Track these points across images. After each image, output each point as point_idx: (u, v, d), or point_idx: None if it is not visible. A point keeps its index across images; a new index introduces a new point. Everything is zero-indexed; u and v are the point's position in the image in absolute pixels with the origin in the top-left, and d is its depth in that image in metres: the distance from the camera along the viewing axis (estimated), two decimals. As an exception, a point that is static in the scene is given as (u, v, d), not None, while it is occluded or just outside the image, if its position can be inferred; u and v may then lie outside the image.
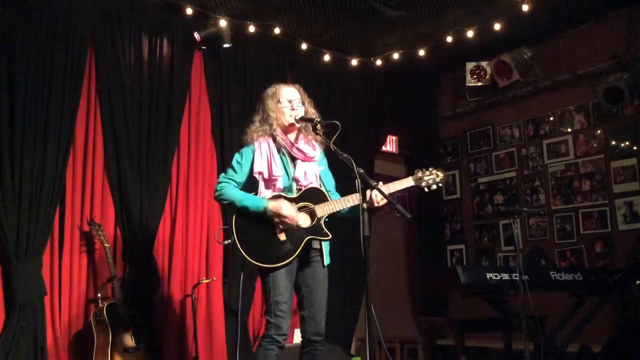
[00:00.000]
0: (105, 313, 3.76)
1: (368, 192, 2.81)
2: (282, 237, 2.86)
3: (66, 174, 4.06)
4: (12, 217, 3.74)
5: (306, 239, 2.88)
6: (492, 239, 6.14)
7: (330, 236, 2.94)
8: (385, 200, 2.78)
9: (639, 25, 5.11)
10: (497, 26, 5.20)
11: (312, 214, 2.93)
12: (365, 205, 2.55)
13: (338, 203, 2.93)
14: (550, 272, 3.90)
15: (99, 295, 4.02)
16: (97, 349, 3.75)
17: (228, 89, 5.00)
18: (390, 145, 6.60)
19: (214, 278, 4.63)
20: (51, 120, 3.96)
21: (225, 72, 5.02)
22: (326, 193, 2.99)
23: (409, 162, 6.80)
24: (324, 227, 2.92)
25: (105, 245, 3.95)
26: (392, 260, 6.70)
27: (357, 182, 2.56)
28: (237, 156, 3.06)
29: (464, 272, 3.59)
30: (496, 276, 3.67)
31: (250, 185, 3.01)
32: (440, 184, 2.98)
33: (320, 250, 3.00)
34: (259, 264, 2.85)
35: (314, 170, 3.06)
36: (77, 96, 4.14)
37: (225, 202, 2.96)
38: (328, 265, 3.04)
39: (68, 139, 4.06)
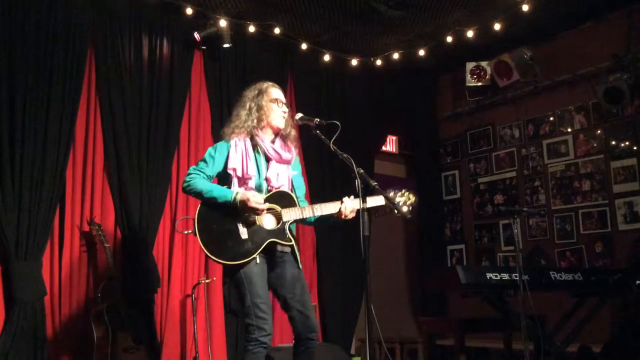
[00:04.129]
0: (105, 313, 3.76)
1: (339, 204, 2.89)
2: (244, 235, 2.84)
3: (66, 174, 4.06)
4: (12, 217, 3.74)
5: (267, 240, 2.86)
6: (492, 239, 6.14)
7: (293, 242, 2.93)
8: (353, 214, 2.87)
9: (639, 25, 5.11)
10: (497, 26, 5.20)
11: (277, 217, 2.92)
12: (365, 205, 2.55)
13: (305, 210, 2.92)
14: (550, 272, 3.90)
15: (99, 295, 4.02)
16: (97, 349, 3.75)
17: (228, 89, 5.00)
18: (390, 145, 6.60)
19: (214, 278, 4.63)
20: (51, 120, 3.96)
21: (225, 72, 5.02)
22: (295, 198, 2.98)
23: (409, 162, 6.81)
24: (287, 232, 2.91)
25: (105, 245, 3.95)
26: (392, 260, 6.70)
27: (357, 182, 2.56)
28: (210, 150, 3.05)
29: (464, 272, 3.59)
30: (496, 276, 3.67)
31: (221, 181, 3.01)
32: (410, 207, 2.96)
33: (293, 252, 2.98)
34: (216, 258, 2.81)
35: (286, 173, 3.06)
36: (77, 96, 4.14)
37: (193, 193, 2.91)
38: (301, 267, 3.02)
39: (68, 139, 4.06)
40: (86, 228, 4.11)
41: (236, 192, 2.85)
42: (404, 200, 2.96)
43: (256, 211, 2.84)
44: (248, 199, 2.80)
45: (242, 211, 2.83)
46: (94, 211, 4.18)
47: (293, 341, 2.97)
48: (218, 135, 4.86)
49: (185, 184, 2.94)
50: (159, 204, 4.48)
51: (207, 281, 4.56)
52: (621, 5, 5.17)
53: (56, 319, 3.94)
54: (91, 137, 4.27)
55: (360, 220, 2.53)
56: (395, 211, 2.71)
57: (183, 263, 4.58)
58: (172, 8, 4.71)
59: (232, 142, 2.99)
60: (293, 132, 3.11)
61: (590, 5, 5.20)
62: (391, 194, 2.94)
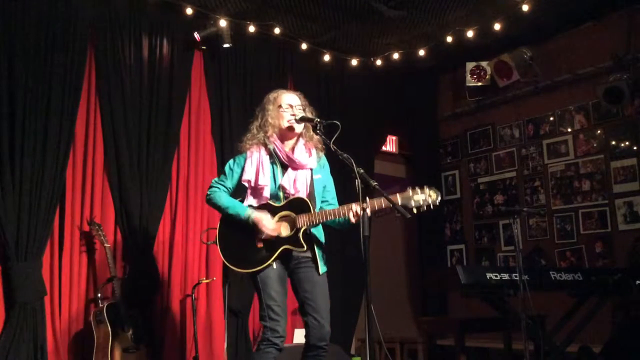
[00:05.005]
0: (105, 313, 3.76)
1: (353, 206, 2.81)
2: (260, 244, 2.93)
3: (66, 174, 4.07)
4: (12, 217, 3.74)
5: (281, 248, 2.91)
6: (492, 239, 6.14)
7: (305, 247, 2.92)
8: (355, 219, 2.78)
9: (639, 25, 5.11)
10: (497, 26, 5.20)
11: (292, 224, 2.94)
12: (365, 205, 2.55)
13: (318, 216, 2.92)
14: (550, 272, 3.90)
15: (99, 295, 4.02)
16: (97, 349, 3.75)
17: (228, 89, 5.00)
18: (390, 145, 6.60)
19: (214, 278, 4.63)
20: (51, 120, 3.97)
21: (225, 72, 5.02)
22: (309, 204, 2.95)
23: (409, 162, 6.81)
24: (301, 238, 2.92)
25: (105, 245, 3.95)
26: (392, 260, 6.69)
27: (357, 182, 2.56)
28: (230, 162, 3.15)
29: (464, 272, 3.58)
30: (496, 276, 3.67)
31: (241, 191, 3.08)
32: (432, 206, 2.82)
33: (314, 258, 2.98)
34: (232, 266, 2.96)
35: (305, 177, 3.04)
36: (77, 96, 4.14)
37: (214, 206, 3.08)
38: (324, 273, 3.02)
39: (68, 139, 4.06)
40: (86, 228, 4.11)
41: (249, 212, 2.92)
42: (424, 198, 2.80)
43: (266, 232, 2.89)
44: (259, 222, 2.89)
45: (255, 230, 2.91)
46: (94, 211, 4.18)
47: (304, 344, 2.98)
48: (218, 135, 4.92)
49: (208, 197, 3.09)
50: (159, 204, 4.48)
51: (207, 281, 4.56)
52: (621, 5, 5.17)
53: (56, 319, 3.94)
54: (91, 137, 4.28)
55: (360, 220, 2.53)
56: (396, 211, 2.65)
57: (183, 263, 4.58)
58: (172, 8, 4.71)
59: (248, 154, 3.05)
60: (315, 136, 3.04)
61: (590, 5, 5.19)
62: (410, 192, 2.82)
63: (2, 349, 3.59)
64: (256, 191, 3.00)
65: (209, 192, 3.09)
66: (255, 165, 3.01)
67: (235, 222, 2.96)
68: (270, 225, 2.90)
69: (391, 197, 2.76)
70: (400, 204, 2.77)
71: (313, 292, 2.95)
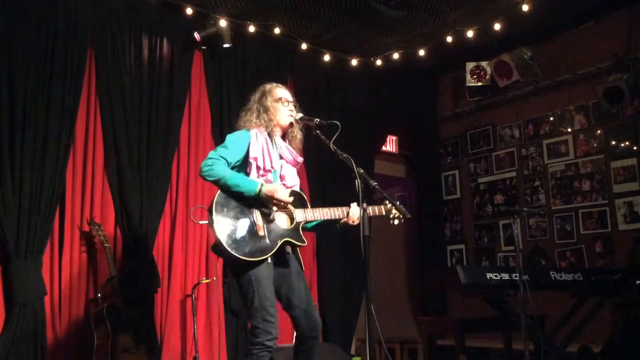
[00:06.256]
0: (105, 313, 3.76)
1: (347, 209, 2.93)
2: (261, 232, 2.79)
3: (66, 174, 4.06)
4: (12, 217, 3.74)
5: (283, 240, 2.84)
6: (492, 239, 6.14)
7: (306, 243, 2.92)
8: (357, 222, 2.88)
9: (639, 25, 5.12)
10: (497, 26, 5.20)
11: (290, 217, 2.92)
12: (364, 205, 2.56)
13: (316, 212, 2.91)
14: (550, 272, 3.90)
15: (99, 295, 4.02)
16: (97, 349, 3.75)
17: (228, 88, 5.00)
18: (390, 145, 6.60)
19: (214, 278, 4.63)
20: (51, 120, 3.96)
21: (225, 72, 5.02)
22: (307, 200, 2.98)
23: (409, 162, 6.81)
24: (301, 233, 2.90)
25: (105, 245, 3.95)
26: (392, 260, 6.70)
27: (357, 182, 2.56)
28: (231, 137, 2.95)
29: (464, 272, 3.58)
30: (496, 276, 3.67)
31: (239, 169, 2.94)
32: (402, 220, 3.07)
33: (295, 254, 2.99)
34: (234, 252, 2.70)
35: (295, 175, 3.07)
36: (77, 96, 4.14)
37: (214, 178, 2.78)
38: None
39: (68, 139, 4.06)
40: (86, 228, 4.11)
41: (261, 184, 2.78)
42: (397, 214, 3.06)
43: (281, 203, 2.81)
44: (275, 191, 2.78)
45: (264, 202, 2.79)
46: (94, 211, 4.18)
47: (294, 340, 2.95)
48: (218, 135, 4.91)
49: (207, 168, 2.79)
50: (159, 204, 4.47)
51: (207, 281, 4.56)
52: (621, 5, 5.17)
53: (56, 319, 3.94)
54: (91, 137, 4.27)
55: (361, 220, 2.53)
56: (391, 221, 2.80)
57: (183, 263, 4.58)
58: (172, 8, 4.71)
59: (253, 133, 2.94)
60: (299, 136, 3.06)
61: (590, 5, 5.20)
62: (389, 205, 3.03)
63: (2, 349, 3.59)
64: (262, 171, 2.90)
65: (208, 163, 2.79)
66: (261, 145, 2.90)
67: (236, 198, 2.79)
68: (285, 195, 2.81)
69: (377, 207, 3.06)
70: (384, 214, 3.04)
71: (300, 285, 2.93)
